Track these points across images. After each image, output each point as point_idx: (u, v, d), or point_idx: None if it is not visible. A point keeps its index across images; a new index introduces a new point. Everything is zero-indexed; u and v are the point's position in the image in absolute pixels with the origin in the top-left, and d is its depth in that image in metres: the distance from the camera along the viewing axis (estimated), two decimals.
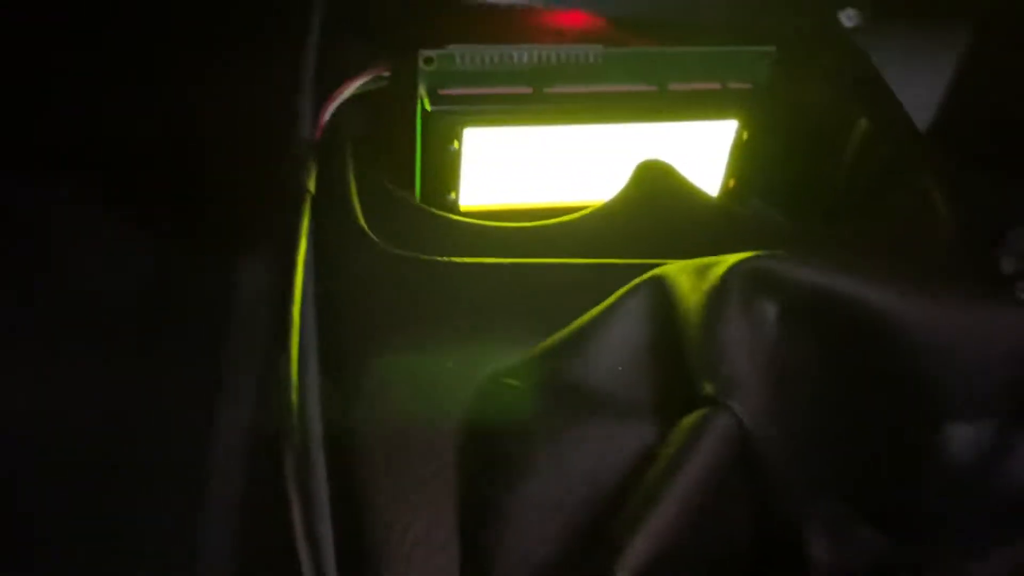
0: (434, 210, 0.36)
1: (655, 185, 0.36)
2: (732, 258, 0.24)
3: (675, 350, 0.24)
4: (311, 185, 0.32)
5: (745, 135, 0.39)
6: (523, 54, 0.36)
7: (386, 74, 0.37)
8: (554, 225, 0.35)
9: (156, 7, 0.39)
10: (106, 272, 0.39)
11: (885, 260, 0.32)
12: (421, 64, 0.35)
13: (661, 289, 0.26)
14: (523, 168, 0.38)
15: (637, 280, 0.27)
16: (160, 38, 0.39)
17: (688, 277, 0.25)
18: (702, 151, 0.40)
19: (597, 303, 0.28)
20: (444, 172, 0.37)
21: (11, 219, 0.38)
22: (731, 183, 0.41)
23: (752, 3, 0.37)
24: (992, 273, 0.33)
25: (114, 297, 0.37)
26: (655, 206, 0.36)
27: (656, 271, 0.26)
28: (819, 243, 0.37)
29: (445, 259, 0.31)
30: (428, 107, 0.35)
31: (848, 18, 0.37)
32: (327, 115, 0.35)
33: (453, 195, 0.38)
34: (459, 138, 0.36)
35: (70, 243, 0.39)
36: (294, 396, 0.27)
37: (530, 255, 0.33)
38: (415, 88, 0.36)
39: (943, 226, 0.35)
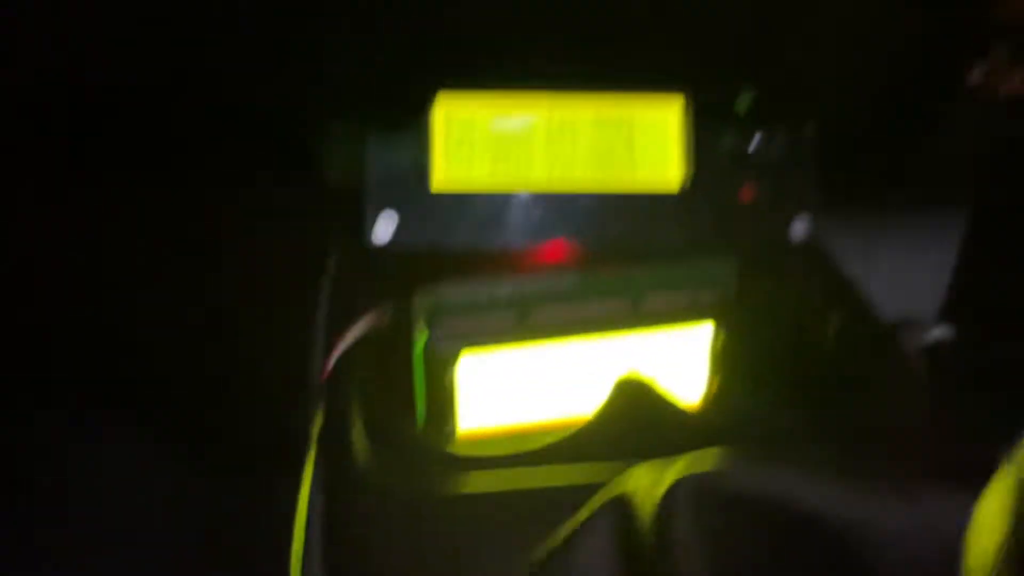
0: (432, 446, 0.39)
1: (632, 401, 0.39)
2: (674, 475, 0.26)
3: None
4: (315, 431, 0.35)
5: (721, 336, 0.42)
6: (508, 286, 0.40)
7: (384, 318, 0.41)
8: (540, 450, 0.37)
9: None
10: (124, 498, 0.41)
11: (847, 452, 0.33)
12: (417, 305, 0.39)
13: (624, 507, 0.28)
14: (514, 391, 0.41)
15: (600, 499, 0.28)
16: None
17: (642, 495, 0.27)
18: (682, 356, 0.43)
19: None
20: (443, 401, 0.40)
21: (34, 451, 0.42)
22: (715, 382, 0.43)
23: (706, 228, 0.41)
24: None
25: (132, 522, 0.40)
26: (634, 425, 0.38)
27: (614, 488, 0.28)
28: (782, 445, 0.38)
29: (439, 495, 0.34)
30: (425, 343, 0.39)
31: (798, 232, 0.41)
32: (332, 361, 0.39)
33: (453, 422, 0.41)
34: (455, 366, 0.40)
35: (94, 471, 0.43)
36: None
37: (522, 479, 0.35)
38: (413, 325, 0.40)
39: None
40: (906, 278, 0.68)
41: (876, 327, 0.42)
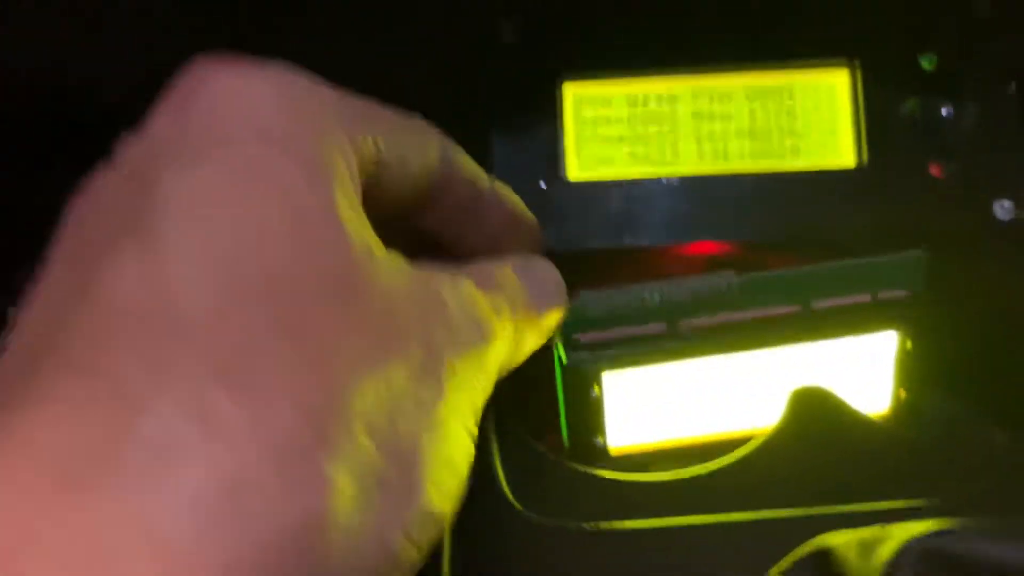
0: (578, 467, 0.35)
1: (813, 416, 0.33)
2: (903, 534, 0.21)
3: None
4: None
5: (908, 344, 0.36)
6: (654, 292, 0.35)
7: None
8: (707, 474, 0.33)
9: None
10: None
11: None
12: None
13: (827, 564, 0.23)
14: (668, 405, 0.37)
15: (799, 552, 0.24)
16: None
17: (855, 553, 0.22)
18: (863, 366, 0.37)
19: (756, 564, 0.25)
20: (588, 418, 0.37)
21: None
22: (902, 394, 0.37)
23: (888, 212, 0.35)
24: None
25: None
26: (816, 440, 0.33)
27: (820, 542, 0.24)
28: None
29: (590, 526, 0.30)
30: (565, 358, 0.35)
31: (1003, 210, 0.35)
32: None
33: (600, 439, 0.37)
34: (599, 384, 0.35)
35: None
36: None
37: (686, 508, 0.31)
38: (551, 338, 0.36)
39: None
40: None
41: None
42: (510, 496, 0.32)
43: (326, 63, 0.24)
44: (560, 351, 0.35)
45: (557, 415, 0.38)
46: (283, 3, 0.38)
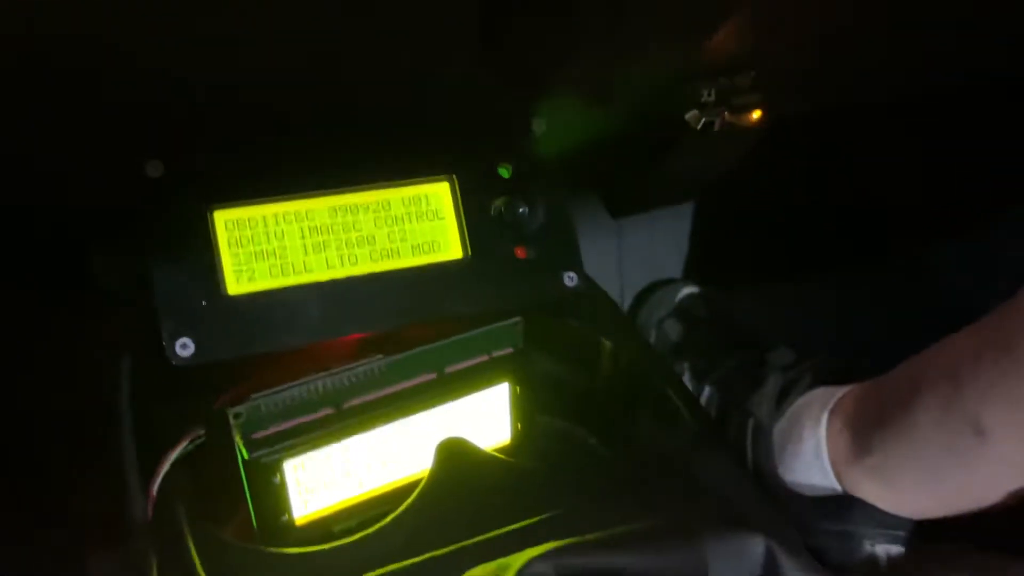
0: (270, 549, 0.40)
1: (456, 462, 0.43)
2: (520, 560, 0.30)
3: None
4: (154, 571, 0.36)
5: (517, 390, 0.47)
6: (319, 384, 0.42)
7: (200, 434, 0.41)
8: (380, 529, 0.40)
9: None
10: None
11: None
12: (232, 420, 0.40)
13: None
14: (341, 473, 0.44)
15: None
16: None
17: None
18: (487, 412, 0.47)
19: None
20: (274, 502, 0.42)
21: None
22: (518, 426, 0.48)
23: (494, 286, 0.45)
24: None
25: None
26: (461, 479, 0.42)
27: None
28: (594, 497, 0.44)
29: None
30: (246, 455, 0.40)
31: (570, 280, 0.46)
32: (155, 489, 0.39)
33: (287, 516, 0.43)
34: (280, 472, 0.41)
35: None
36: None
37: (371, 563, 0.38)
38: (230, 439, 0.41)
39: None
40: (658, 254, 0.81)
41: (643, 351, 0.49)
42: None
43: None
44: (241, 448, 0.40)
45: (243, 499, 0.43)
46: None
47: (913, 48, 0.57)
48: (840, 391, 0.62)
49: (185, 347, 0.40)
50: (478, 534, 0.39)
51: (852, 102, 0.69)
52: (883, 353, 0.64)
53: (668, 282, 0.83)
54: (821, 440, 0.58)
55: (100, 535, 0.39)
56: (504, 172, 0.47)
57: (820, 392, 0.64)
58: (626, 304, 0.82)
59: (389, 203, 0.44)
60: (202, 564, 0.37)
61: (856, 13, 0.50)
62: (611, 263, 0.80)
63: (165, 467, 0.40)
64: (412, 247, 0.45)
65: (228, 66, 0.38)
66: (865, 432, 0.51)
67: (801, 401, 0.65)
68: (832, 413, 0.58)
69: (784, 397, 0.67)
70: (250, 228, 0.42)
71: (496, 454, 0.44)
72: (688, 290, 0.81)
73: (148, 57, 0.35)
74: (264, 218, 0.42)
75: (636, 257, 0.80)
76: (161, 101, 0.38)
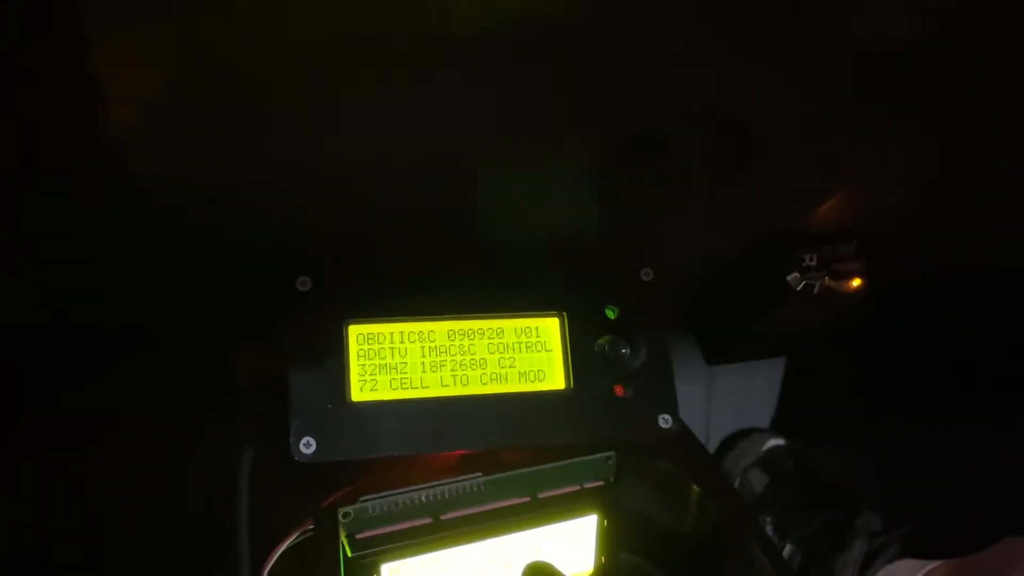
0: None
1: None
2: None
3: None
4: None
5: (605, 523, 0.49)
6: (421, 494, 0.45)
7: (311, 527, 0.45)
8: None
9: None
10: None
11: None
12: (340, 518, 0.43)
13: None
14: None
15: None
16: None
17: None
18: (574, 540, 0.49)
19: None
20: None
21: None
22: (602, 559, 0.50)
23: (592, 421, 0.48)
24: None
25: None
26: None
27: None
28: None
29: None
30: (350, 553, 0.43)
31: (664, 421, 0.49)
32: (265, 574, 0.43)
33: None
34: (378, 573, 0.44)
35: None
36: None
37: None
38: (337, 537, 0.44)
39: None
40: (748, 401, 0.82)
41: (732, 501, 0.50)
42: None
43: None
44: (346, 547, 0.43)
45: None
46: None
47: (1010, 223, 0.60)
48: (928, 565, 0.61)
49: (308, 445, 0.44)
50: None
51: (953, 272, 0.71)
52: (971, 517, 0.63)
53: (755, 431, 0.84)
54: None
55: None
56: (611, 313, 0.50)
57: (907, 564, 0.63)
58: (711, 449, 0.83)
59: (503, 331, 0.48)
60: None
61: (958, 187, 0.53)
62: (700, 405, 0.81)
63: (277, 554, 0.43)
64: (520, 374, 0.48)
65: (376, 203, 0.44)
66: None
67: (886, 570, 0.64)
68: None
69: (869, 565, 0.66)
70: (378, 343, 0.47)
71: None
72: (775, 441, 0.81)
73: (311, 192, 0.41)
74: (391, 335, 0.47)
75: (725, 402, 0.82)
76: (316, 228, 0.44)
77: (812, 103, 0.41)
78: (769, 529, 0.72)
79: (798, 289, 0.54)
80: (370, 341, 0.46)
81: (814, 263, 0.54)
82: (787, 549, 0.71)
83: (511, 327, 0.49)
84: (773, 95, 0.40)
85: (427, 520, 0.45)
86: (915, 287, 0.75)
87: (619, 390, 0.49)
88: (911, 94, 0.41)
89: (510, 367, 0.48)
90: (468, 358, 0.48)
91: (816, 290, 0.54)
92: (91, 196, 0.38)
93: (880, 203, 0.54)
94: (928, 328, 0.83)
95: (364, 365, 0.46)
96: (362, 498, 0.44)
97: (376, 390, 0.46)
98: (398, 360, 0.47)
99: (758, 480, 0.78)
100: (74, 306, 0.48)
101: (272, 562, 0.43)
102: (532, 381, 0.48)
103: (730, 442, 0.83)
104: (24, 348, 0.52)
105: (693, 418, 0.79)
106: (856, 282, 0.54)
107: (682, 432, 0.50)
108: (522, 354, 0.48)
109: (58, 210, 0.39)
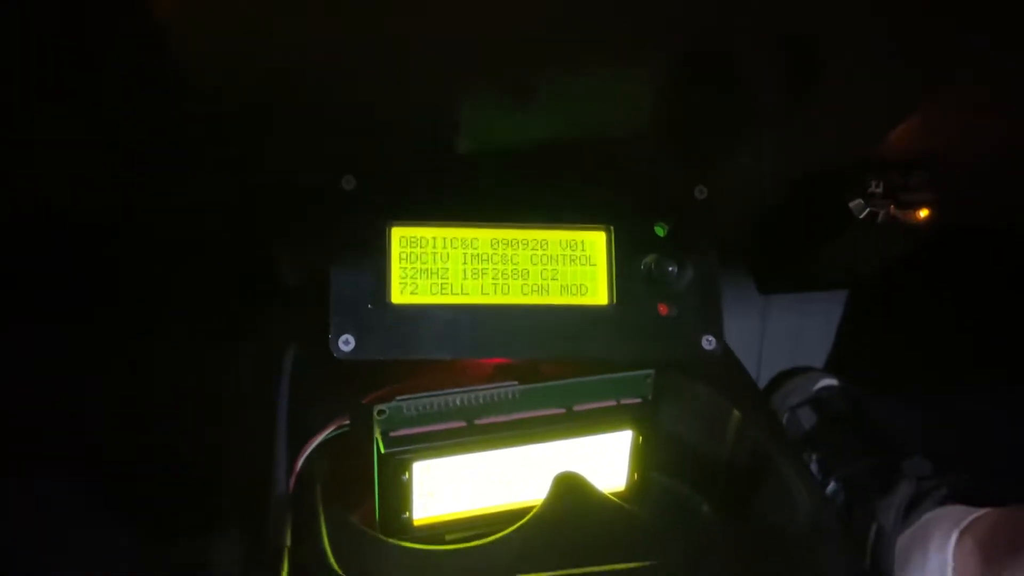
0: (391, 540, 0.43)
1: (570, 496, 0.44)
2: None
3: None
4: (287, 538, 0.40)
5: (640, 440, 0.48)
6: (456, 398, 0.45)
7: (346, 423, 0.45)
8: (490, 543, 0.42)
9: None
10: None
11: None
12: (375, 415, 0.44)
13: None
14: (462, 486, 0.47)
15: None
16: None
17: None
18: (608, 455, 0.49)
19: None
20: (399, 498, 0.45)
21: None
22: (635, 477, 0.50)
23: (630, 340, 0.47)
24: None
25: None
26: (572, 514, 0.44)
27: None
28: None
29: None
30: (383, 449, 0.44)
31: (708, 343, 0.48)
32: (299, 465, 0.44)
33: (407, 514, 0.46)
34: (410, 470, 0.44)
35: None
36: None
37: (477, 571, 0.41)
38: (371, 433, 0.44)
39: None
40: (802, 339, 0.80)
41: (772, 428, 0.49)
42: (335, 566, 0.40)
43: None
44: (379, 443, 0.44)
45: (370, 492, 0.46)
46: None
47: None
48: (975, 512, 0.59)
49: (347, 343, 0.44)
50: (578, 567, 0.40)
51: None
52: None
53: (808, 370, 0.82)
54: (947, 559, 0.55)
55: (247, 497, 0.44)
56: (659, 231, 0.49)
57: (953, 510, 0.61)
58: (762, 385, 0.81)
59: (547, 243, 0.47)
60: (329, 540, 0.41)
61: None
62: (753, 340, 0.79)
63: (311, 447, 0.44)
64: (562, 287, 0.47)
65: (429, 104, 0.43)
66: (998, 560, 0.49)
67: (932, 515, 0.63)
68: (964, 533, 0.56)
69: (914, 507, 0.64)
70: (420, 247, 0.46)
71: (610, 496, 0.46)
72: (827, 381, 0.79)
73: (363, 91, 0.40)
74: (433, 239, 0.46)
75: (779, 338, 0.80)
76: (364, 127, 0.43)
77: (884, 20, 0.39)
78: (814, 466, 0.71)
79: (861, 217, 0.51)
80: (412, 244, 0.46)
81: (880, 190, 0.51)
82: (831, 487, 0.70)
83: (556, 239, 0.48)
84: (846, 9, 0.38)
85: (461, 423, 0.45)
86: (990, 230, 0.71)
87: (663, 308, 0.48)
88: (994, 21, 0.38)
89: (552, 279, 0.47)
90: (510, 267, 0.47)
91: (880, 218, 0.52)
92: (134, 83, 0.38)
93: (958, 136, 0.51)
94: (998, 274, 0.79)
95: (405, 268, 0.46)
96: (398, 398, 0.44)
97: (416, 293, 0.46)
98: (439, 265, 0.46)
99: (807, 418, 0.77)
100: (125, 202, 0.49)
101: (306, 454, 0.44)
102: (574, 294, 0.47)
103: (781, 379, 0.82)
104: (79, 246, 0.54)
105: (745, 352, 0.77)
106: (924, 212, 0.52)
107: (726, 355, 0.49)
108: (565, 267, 0.48)
109: (101, 96, 0.39)
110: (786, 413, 0.78)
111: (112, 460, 0.59)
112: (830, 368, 0.82)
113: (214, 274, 0.57)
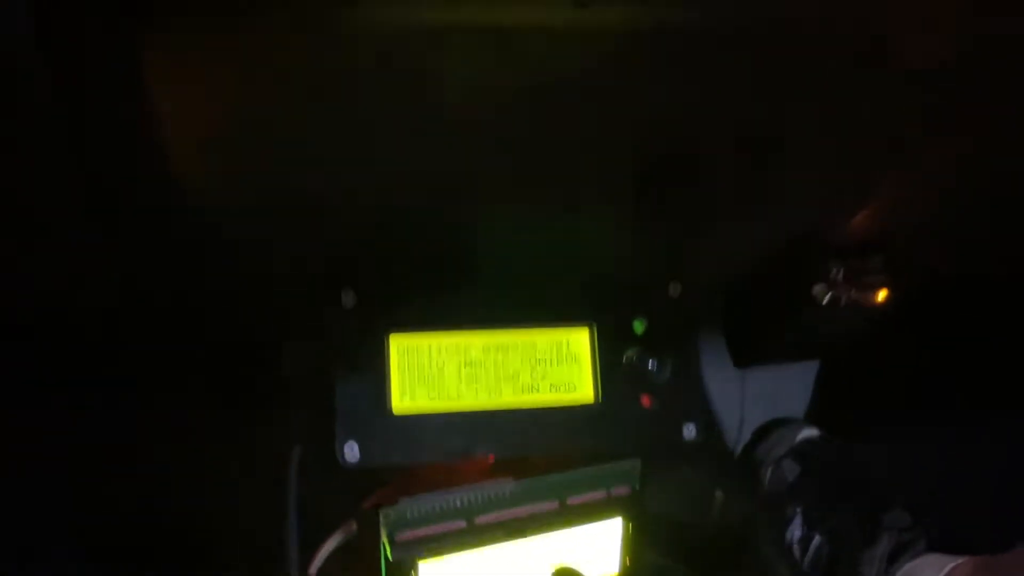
0: None
1: None
2: None
3: None
4: None
5: (630, 527, 0.52)
6: (456, 497, 0.48)
7: (354, 527, 0.48)
8: None
9: None
10: None
11: None
12: (381, 518, 0.47)
13: None
14: None
15: None
16: None
17: None
18: (600, 543, 0.52)
19: None
20: None
21: None
22: (627, 561, 0.53)
23: (616, 432, 0.51)
24: None
25: None
26: None
27: None
28: None
29: None
30: (390, 554, 0.47)
31: (689, 431, 0.51)
32: (314, 570, 0.47)
33: None
34: (416, 572, 0.47)
35: None
36: None
37: None
38: (377, 538, 0.47)
39: None
40: (781, 392, 0.83)
41: (754, 507, 0.53)
42: None
43: None
44: (386, 549, 0.47)
45: None
46: None
47: None
48: (953, 561, 0.62)
49: (352, 452, 0.47)
50: None
51: (981, 277, 0.71)
52: (1001, 517, 0.64)
53: (790, 420, 0.85)
54: None
55: None
56: (638, 327, 0.52)
57: (933, 559, 0.64)
58: (745, 438, 0.84)
59: (535, 345, 0.51)
60: None
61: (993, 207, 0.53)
62: (734, 396, 0.83)
63: (325, 552, 0.47)
64: (551, 385, 0.51)
65: (413, 218, 0.46)
66: None
67: (912, 565, 0.66)
68: None
69: (895, 559, 0.68)
70: (417, 355, 0.50)
71: None
72: (808, 432, 0.83)
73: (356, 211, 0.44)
74: (429, 347, 0.50)
75: (758, 392, 0.83)
76: (360, 245, 0.47)
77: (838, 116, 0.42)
78: (799, 521, 0.74)
79: (823, 303, 0.55)
80: (410, 352, 0.49)
81: (840, 276, 0.55)
82: (815, 541, 0.73)
83: (544, 340, 0.51)
84: (802, 110, 0.41)
85: (462, 523, 0.48)
86: (944, 292, 0.75)
87: (646, 401, 0.52)
88: (936, 107, 0.42)
89: (542, 379, 0.51)
90: (502, 371, 0.51)
91: (842, 303, 0.56)
92: (145, 201, 0.41)
93: (907, 214, 0.55)
94: (971, 320, 0.83)
95: (404, 376, 0.49)
96: (401, 499, 0.47)
97: (415, 400, 0.49)
98: (436, 372, 0.50)
99: (791, 471, 0.80)
100: (134, 302, 0.51)
101: (320, 558, 0.47)
102: (563, 391, 0.51)
103: (763, 431, 0.85)
104: (86, 341, 0.56)
105: (726, 408, 0.81)
106: (882, 294, 0.55)
107: (707, 440, 0.52)
108: (553, 367, 0.51)
109: (113, 210, 0.42)
110: (771, 466, 0.82)
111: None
112: (810, 419, 0.85)
113: (215, 374, 0.60)
